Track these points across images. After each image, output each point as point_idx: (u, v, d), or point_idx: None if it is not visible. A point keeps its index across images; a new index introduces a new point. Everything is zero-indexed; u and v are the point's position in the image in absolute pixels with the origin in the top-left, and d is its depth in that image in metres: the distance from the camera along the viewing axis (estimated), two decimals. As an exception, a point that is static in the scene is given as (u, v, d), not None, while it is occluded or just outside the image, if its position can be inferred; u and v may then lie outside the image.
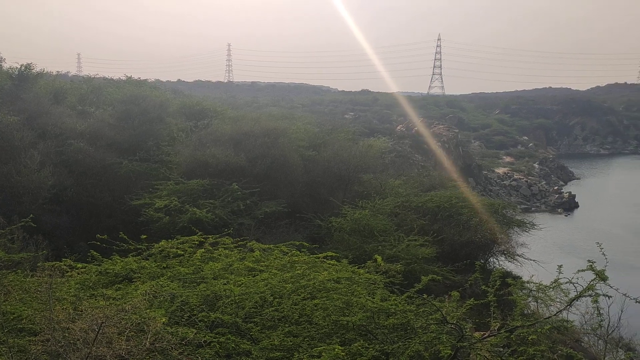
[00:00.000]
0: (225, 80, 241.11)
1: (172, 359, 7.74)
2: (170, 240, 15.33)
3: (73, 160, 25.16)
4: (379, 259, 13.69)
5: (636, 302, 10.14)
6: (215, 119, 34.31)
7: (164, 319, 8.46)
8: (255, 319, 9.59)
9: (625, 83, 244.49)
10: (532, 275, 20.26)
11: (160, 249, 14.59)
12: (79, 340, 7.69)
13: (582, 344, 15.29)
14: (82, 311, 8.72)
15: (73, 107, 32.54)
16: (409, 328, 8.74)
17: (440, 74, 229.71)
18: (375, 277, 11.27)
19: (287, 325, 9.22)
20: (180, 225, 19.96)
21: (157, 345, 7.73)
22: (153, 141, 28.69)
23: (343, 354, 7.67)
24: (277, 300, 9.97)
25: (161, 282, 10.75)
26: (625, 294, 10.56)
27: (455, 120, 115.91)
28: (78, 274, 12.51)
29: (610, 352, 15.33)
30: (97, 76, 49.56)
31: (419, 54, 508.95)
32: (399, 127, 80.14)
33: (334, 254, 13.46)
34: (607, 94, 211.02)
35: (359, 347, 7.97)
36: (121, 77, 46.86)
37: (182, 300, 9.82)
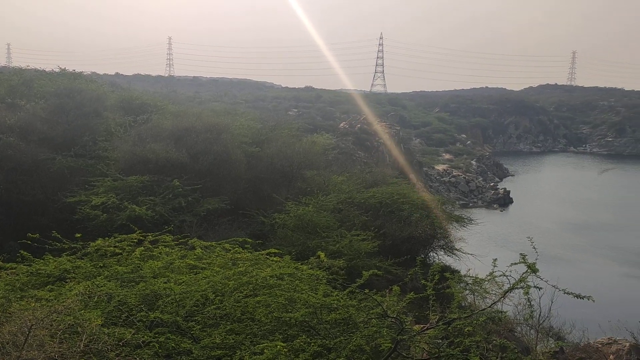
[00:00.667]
0: (166, 75, 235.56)
1: (108, 361, 7.49)
2: (107, 238, 14.83)
3: (2, 155, 23.87)
4: (322, 255, 13.75)
5: (564, 293, 10.67)
6: (155, 113, 33.38)
7: (99, 320, 8.18)
8: (196, 318, 9.42)
9: (556, 84, 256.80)
10: (469, 269, 20.99)
11: (96, 247, 14.08)
12: (7, 343, 7.32)
13: (515, 333, 15.95)
14: (10, 314, 8.30)
15: (2, 99, 30.85)
16: (350, 323, 8.84)
17: (383, 72, 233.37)
18: (318, 273, 11.33)
19: (229, 323, 9.10)
20: (118, 223, 19.34)
21: (92, 347, 7.46)
22: (89, 136, 27.62)
23: (285, 350, 7.66)
24: (219, 298, 9.83)
25: (97, 282, 10.38)
26: (554, 286, 11.08)
27: (397, 118, 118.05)
28: (7, 274, 11.90)
29: (542, 341, 16.09)
30: (29, 67, 47.00)
31: (363, 52, 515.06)
32: (342, 124, 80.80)
33: (277, 250, 13.43)
34: (539, 94, 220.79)
35: (302, 343, 7.99)
36: (54, 69, 44.74)
37: (119, 300, 9.52)
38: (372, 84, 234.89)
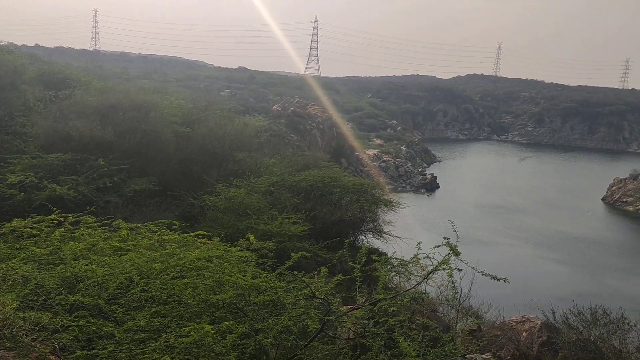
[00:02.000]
0: (91, 49, 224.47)
1: (24, 346, 7.14)
2: (24, 219, 14.05)
3: None
4: (252, 237, 13.69)
5: (483, 275, 11.21)
6: (78, 89, 31.74)
7: (14, 303, 7.77)
8: (120, 301, 9.14)
9: (482, 74, 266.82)
10: (395, 252, 21.58)
11: (11, 228, 13.32)
12: None
13: (438, 313, 16.62)
14: None
15: None
16: (279, 304, 8.88)
17: (317, 56, 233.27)
18: (247, 255, 11.28)
19: (154, 305, 8.90)
20: (37, 203, 18.36)
21: (5, 331, 7.08)
22: (5, 111, 25.94)
23: (212, 332, 7.60)
24: (144, 280, 9.58)
25: (12, 265, 9.83)
26: (474, 268, 11.61)
27: (330, 101, 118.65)
28: None
29: (461, 320, 16.87)
30: None
31: (297, 35, 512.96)
32: (275, 107, 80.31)
33: (205, 232, 13.23)
34: (466, 83, 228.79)
35: (229, 325, 7.95)
36: (-34, 38, 41.51)
37: (36, 283, 9.07)
38: (306, 67, 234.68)
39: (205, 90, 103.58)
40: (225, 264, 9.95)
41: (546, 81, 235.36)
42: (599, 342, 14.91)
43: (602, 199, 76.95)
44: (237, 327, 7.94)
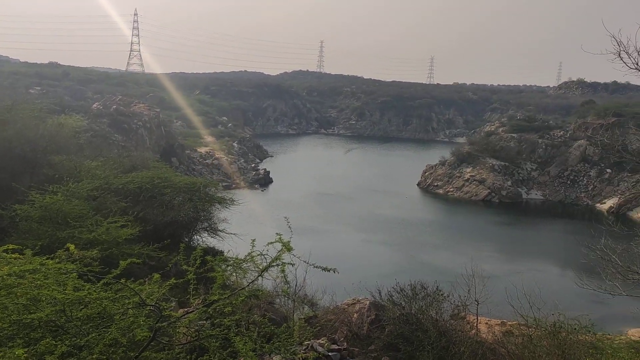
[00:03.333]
0: None
1: None
2: None
3: None
4: (72, 247, 12.60)
5: (314, 267, 11.72)
6: None
7: None
8: None
9: (308, 70, 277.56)
10: (229, 250, 21.56)
11: None
12: None
13: (275, 305, 16.99)
14: None
15: None
16: (105, 316, 8.31)
17: (139, 51, 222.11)
18: (67, 266, 10.35)
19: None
20: None
21: None
22: None
23: (26, 355, 6.84)
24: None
25: None
26: (305, 262, 12.06)
27: (157, 99, 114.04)
28: None
29: (298, 309, 17.46)
30: None
31: (118, 29, 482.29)
32: (95, 105, 74.79)
33: (16, 246, 11.85)
34: (293, 79, 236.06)
35: (47, 345, 7.23)
36: None
37: None
38: (128, 63, 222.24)
39: (11, 87, 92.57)
40: (40, 278, 9.01)
41: (365, 77, 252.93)
42: (419, 315, 16.47)
43: (418, 184, 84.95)
44: (56, 346, 7.25)
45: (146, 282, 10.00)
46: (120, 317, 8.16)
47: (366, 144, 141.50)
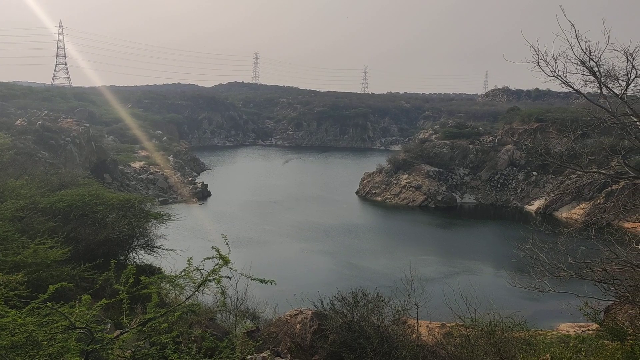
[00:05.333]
0: None
1: None
2: None
3: None
4: (-4, 271, 11.86)
5: (252, 280, 11.60)
6: None
7: None
8: None
9: (243, 82, 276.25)
10: (164, 269, 21.03)
11: None
12: None
13: (217, 320, 16.69)
14: None
15: None
16: (33, 342, 7.85)
17: (66, 64, 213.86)
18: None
19: None
20: None
21: None
22: None
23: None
24: None
25: None
26: (242, 274, 11.92)
27: (86, 113, 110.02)
28: None
29: (240, 323, 17.22)
30: None
31: (41, 42, 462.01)
32: (19, 121, 71.15)
33: None
34: (228, 91, 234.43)
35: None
36: None
37: None
38: (54, 77, 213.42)
39: None
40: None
41: (301, 87, 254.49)
42: (361, 322, 16.63)
43: (356, 192, 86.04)
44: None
45: (77, 305, 9.54)
46: (48, 342, 7.74)
47: (304, 154, 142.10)
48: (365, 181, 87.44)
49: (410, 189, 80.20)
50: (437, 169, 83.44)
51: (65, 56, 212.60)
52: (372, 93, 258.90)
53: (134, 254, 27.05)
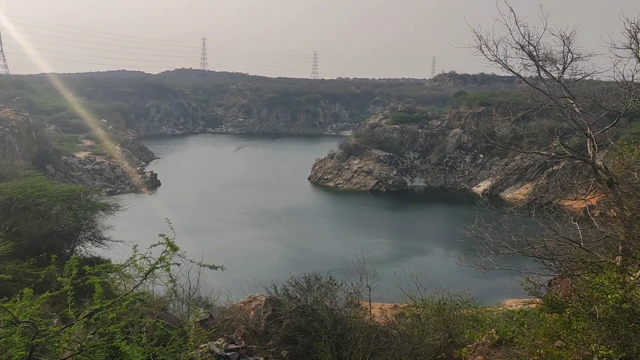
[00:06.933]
0: None
1: None
2: None
3: None
4: None
5: (201, 266, 11.51)
6: None
7: None
8: None
9: (191, 68, 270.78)
10: (109, 258, 20.59)
11: None
12: None
13: (169, 310, 16.50)
14: None
15: None
16: (-28, 340, 7.58)
17: (2, 51, 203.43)
18: None
19: None
20: None
21: None
22: None
23: None
24: None
25: None
26: (192, 260, 11.80)
27: (25, 102, 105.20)
28: None
29: (193, 312, 17.09)
30: None
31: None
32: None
33: None
34: (176, 78, 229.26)
35: None
36: None
37: None
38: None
39: None
40: None
41: (250, 74, 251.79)
42: (314, 306, 16.82)
43: (309, 178, 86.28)
44: None
45: (18, 299, 9.23)
46: (-9, 339, 7.50)
47: (256, 141, 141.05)
48: (317, 167, 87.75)
49: (362, 173, 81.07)
50: (387, 153, 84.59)
51: (1, 43, 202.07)
52: (322, 79, 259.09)
53: (80, 247, 26.37)
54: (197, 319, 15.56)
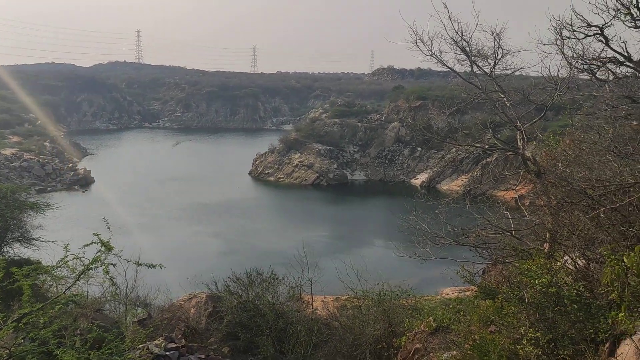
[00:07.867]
0: None
1: None
2: None
3: None
4: None
5: (138, 265, 11.21)
6: None
7: None
8: None
9: (125, 62, 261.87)
10: (39, 259, 19.72)
11: None
12: None
13: (104, 311, 15.98)
14: None
15: None
16: None
17: None
18: None
19: None
20: None
21: None
22: None
23: None
24: None
25: None
26: (128, 260, 11.46)
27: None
28: None
29: (130, 312, 16.63)
30: None
31: None
32: None
33: None
34: (109, 71, 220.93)
35: None
36: None
37: None
38: None
39: None
40: None
41: (188, 67, 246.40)
42: (256, 301, 16.75)
43: (249, 173, 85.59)
44: None
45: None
46: None
47: (195, 136, 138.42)
48: (257, 162, 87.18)
49: (303, 168, 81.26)
50: (327, 147, 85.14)
51: None
52: (262, 73, 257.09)
53: (8, 248, 25.19)
54: (135, 319, 15.15)
